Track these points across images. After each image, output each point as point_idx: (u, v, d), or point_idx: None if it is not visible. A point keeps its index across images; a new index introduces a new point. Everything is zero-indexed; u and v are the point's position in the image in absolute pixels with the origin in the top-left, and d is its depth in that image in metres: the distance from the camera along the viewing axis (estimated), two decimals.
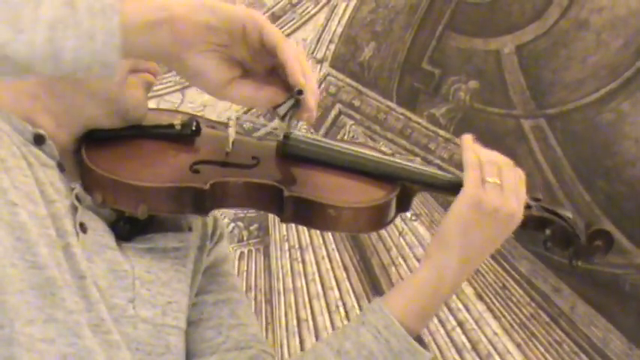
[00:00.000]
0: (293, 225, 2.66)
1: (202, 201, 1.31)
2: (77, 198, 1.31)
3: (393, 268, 2.58)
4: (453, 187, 1.39)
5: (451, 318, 2.49)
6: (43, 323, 1.24)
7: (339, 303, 2.62)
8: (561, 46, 2.47)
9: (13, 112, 1.31)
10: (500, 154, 1.41)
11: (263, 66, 1.25)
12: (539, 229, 1.44)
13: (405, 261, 2.58)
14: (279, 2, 2.79)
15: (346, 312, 2.61)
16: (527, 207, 1.41)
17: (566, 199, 2.42)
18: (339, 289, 2.63)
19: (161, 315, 1.34)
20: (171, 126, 1.39)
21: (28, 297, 1.23)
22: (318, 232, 2.63)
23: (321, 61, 2.72)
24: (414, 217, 2.51)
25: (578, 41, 2.45)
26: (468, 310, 2.49)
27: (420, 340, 1.38)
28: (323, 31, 2.73)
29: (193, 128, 1.39)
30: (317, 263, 2.66)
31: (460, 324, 2.49)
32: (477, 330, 2.47)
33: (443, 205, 2.42)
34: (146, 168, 1.33)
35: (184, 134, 1.39)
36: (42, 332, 1.24)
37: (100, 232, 1.32)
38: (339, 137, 2.68)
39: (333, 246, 2.65)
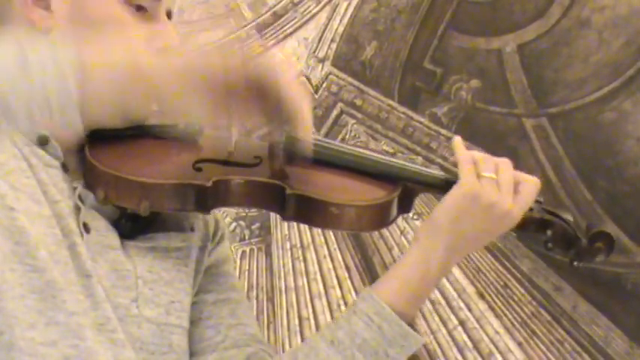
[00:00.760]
0: (295, 224, 2.66)
1: (205, 198, 1.32)
2: (80, 198, 1.31)
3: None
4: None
5: (452, 317, 2.49)
6: (44, 327, 1.24)
7: (341, 302, 2.62)
8: (563, 45, 2.47)
9: None
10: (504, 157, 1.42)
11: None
12: (540, 231, 1.45)
13: None
14: (280, 1, 2.79)
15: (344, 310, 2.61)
16: (529, 209, 1.41)
17: (568, 198, 2.42)
18: (341, 288, 2.63)
19: (164, 314, 1.34)
20: (174, 125, 1.39)
21: (28, 301, 1.23)
22: (319, 231, 2.63)
23: (322, 60, 2.72)
24: (415, 216, 2.51)
25: (580, 40, 2.45)
26: (469, 308, 2.49)
27: (412, 326, 1.38)
28: (325, 30, 2.73)
29: (196, 127, 1.40)
30: (319, 262, 2.66)
31: (461, 323, 2.49)
32: (478, 329, 2.47)
33: None
34: (149, 165, 1.34)
35: (187, 133, 1.39)
36: (43, 336, 1.23)
37: (102, 232, 1.32)
38: (340, 136, 2.68)
39: (335, 245, 2.65)
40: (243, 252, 2.73)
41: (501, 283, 2.47)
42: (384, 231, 2.57)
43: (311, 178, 1.38)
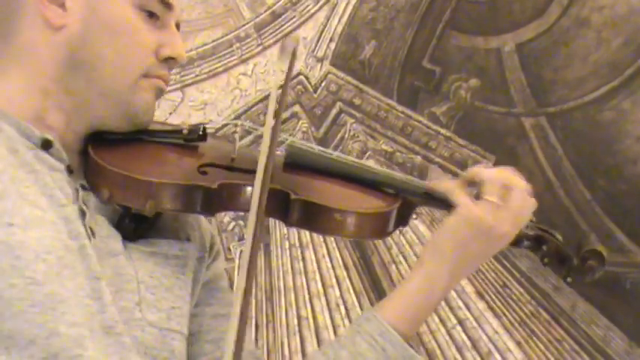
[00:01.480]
0: None
1: (210, 201, 1.32)
2: (84, 202, 1.31)
3: (394, 266, 2.58)
4: (451, 204, 1.41)
5: (452, 316, 2.49)
6: (44, 340, 1.23)
7: (340, 301, 2.62)
8: (562, 44, 2.47)
9: (24, 109, 1.32)
10: (521, 179, 1.42)
11: None
12: (534, 248, 1.48)
13: (405, 259, 2.58)
14: (279, 0, 2.78)
15: (346, 310, 2.61)
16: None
17: (567, 197, 2.42)
18: (340, 288, 2.63)
19: (166, 319, 1.34)
20: (179, 131, 1.40)
21: (28, 316, 1.22)
22: None
23: (321, 60, 2.72)
24: (414, 216, 2.51)
25: (579, 39, 2.45)
26: (468, 308, 2.49)
27: (411, 345, 1.40)
28: (323, 29, 2.73)
29: (200, 133, 1.40)
30: (317, 261, 2.66)
31: (460, 322, 2.49)
32: (477, 328, 2.47)
33: None
34: (155, 166, 1.34)
35: (191, 139, 1.40)
36: (43, 351, 1.23)
37: (105, 236, 1.32)
38: (339, 135, 2.68)
39: (334, 244, 2.65)
40: (242, 251, 2.73)
41: (500, 282, 2.47)
42: None
43: (314, 185, 1.40)
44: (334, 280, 2.64)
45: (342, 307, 2.62)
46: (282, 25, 2.77)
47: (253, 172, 1.36)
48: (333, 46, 2.71)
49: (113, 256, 1.31)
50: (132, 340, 1.29)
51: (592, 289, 2.39)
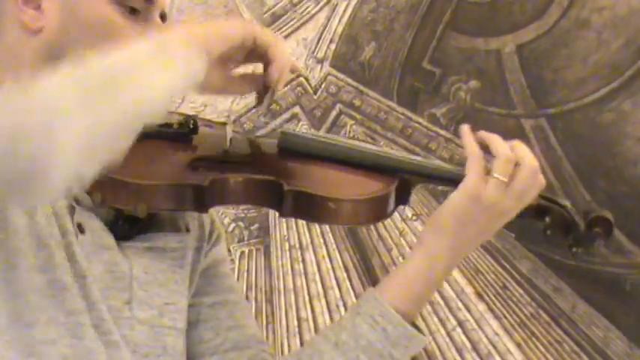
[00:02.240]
0: (294, 225, 2.66)
1: (202, 198, 1.32)
2: (75, 199, 1.30)
3: (394, 268, 2.58)
4: (453, 180, 1.38)
5: (451, 318, 2.49)
6: (43, 325, 1.24)
7: (340, 303, 2.62)
8: (562, 45, 2.47)
9: None
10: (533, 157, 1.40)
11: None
12: (538, 218, 1.44)
13: None
14: (279, 2, 2.78)
15: (347, 311, 2.61)
16: None
17: (567, 199, 2.41)
18: (340, 289, 2.63)
19: (158, 316, 1.34)
20: (169, 125, 1.39)
21: (31, 297, 1.23)
22: (318, 231, 2.63)
23: (321, 61, 2.72)
24: (414, 217, 2.51)
25: (579, 41, 2.45)
26: (468, 309, 2.48)
27: (414, 325, 1.38)
28: (323, 30, 2.72)
29: (191, 126, 1.40)
30: (317, 263, 2.66)
31: (460, 324, 2.48)
32: (477, 330, 2.47)
33: None
34: (145, 166, 1.33)
35: (182, 133, 1.39)
36: (43, 333, 1.23)
37: (97, 232, 1.32)
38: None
39: (334, 246, 2.65)
40: (242, 253, 2.73)
41: (500, 283, 2.47)
42: (383, 232, 2.56)
43: (308, 173, 1.38)
44: (334, 282, 2.64)
45: (342, 309, 2.61)
46: (283, 27, 2.77)
47: (247, 163, 1.36)
48: (333, 47, 2.71)
49: (106, 250, 1.31)
50: (121, 337, 1.29)
51: (592, 290, 2.39)
